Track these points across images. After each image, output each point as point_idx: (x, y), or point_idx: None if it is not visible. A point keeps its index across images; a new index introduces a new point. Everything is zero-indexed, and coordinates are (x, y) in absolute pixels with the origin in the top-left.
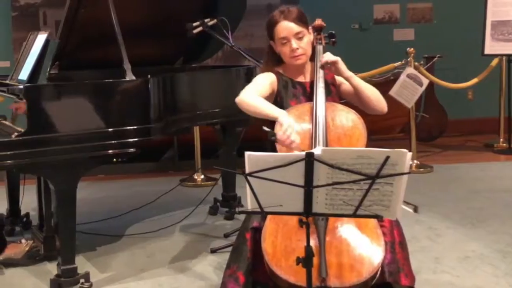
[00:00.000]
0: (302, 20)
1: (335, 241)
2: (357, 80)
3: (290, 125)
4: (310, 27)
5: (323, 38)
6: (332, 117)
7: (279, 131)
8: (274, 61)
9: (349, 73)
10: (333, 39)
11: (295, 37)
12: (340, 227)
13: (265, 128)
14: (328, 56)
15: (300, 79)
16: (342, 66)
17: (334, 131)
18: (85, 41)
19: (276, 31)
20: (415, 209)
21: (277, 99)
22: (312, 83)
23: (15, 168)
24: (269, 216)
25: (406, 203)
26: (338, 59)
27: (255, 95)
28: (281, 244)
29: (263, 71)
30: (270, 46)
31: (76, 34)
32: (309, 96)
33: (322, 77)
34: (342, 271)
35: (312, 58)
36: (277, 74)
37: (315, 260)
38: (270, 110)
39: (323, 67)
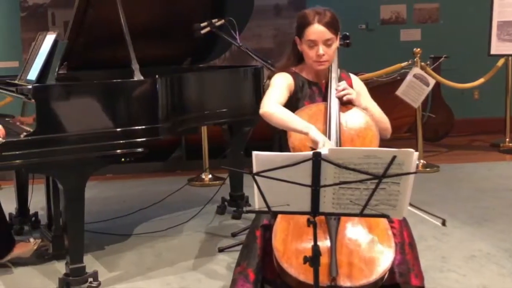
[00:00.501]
0: (334, 27)
1: (346, 241)
2: (371, 111)
3: (325, 141)
4: (339, 33)
5: (339, 40)
6: (345, 118)
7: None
8: (294, 58)
9: (364, 105)
10: (347, 41)
11: (324, 43)
12: (351, 227)
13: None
14: (344, 88)
15: (316, 79)
16: (357, 100)
17: (348, 132)
18: (94, 41)
19: (307, 32)
20: (443, 223)
21: (293, 99)
22: (327, 84)
23: (24, 167)
24: (280, 215)
25: (434, 216)
26: (353, 93)
27: (279, 106)
28: (291, 242)
29: (280, 67)
30: (294, 42)
31: (84, 34)
32: (325, 96)
33: (336, 78)
34: (352, 271)
35: None
36: (294, 74)
37: (326, 259)
38: (299, 125)
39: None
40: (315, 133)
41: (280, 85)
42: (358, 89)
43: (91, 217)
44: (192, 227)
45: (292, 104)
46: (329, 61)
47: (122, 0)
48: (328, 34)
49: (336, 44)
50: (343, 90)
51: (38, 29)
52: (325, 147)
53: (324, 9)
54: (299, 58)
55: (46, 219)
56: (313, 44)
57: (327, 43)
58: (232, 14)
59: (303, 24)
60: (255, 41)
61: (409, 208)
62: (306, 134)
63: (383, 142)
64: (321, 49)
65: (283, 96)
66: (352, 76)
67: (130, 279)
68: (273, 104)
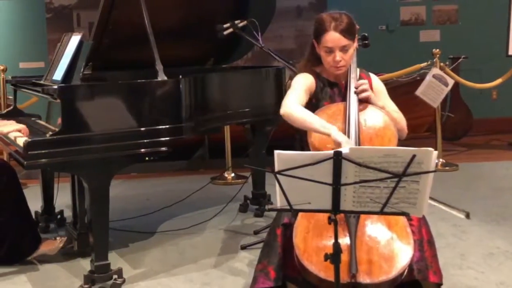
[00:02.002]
0: (350, 33)
1: (365, 238)
2: (388, 110)
3: (347, 141)
4: (356, 37)
5: (357, 41)
6: (364, 118)
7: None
8: (314, 59)
9: (380, 104)
10: (366, 42)
11: (340, 49)
12: (370, 225)
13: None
14: (362, 85)
15: (336, 80)
16: (373, 97)
17: (366, 131)
18: (118, 42)
19: (323, 38)
20: (467, 215)
21: (312, 100)
22: (347, 85)
23: (50, 166)
24: (300, 213)
25: (458, 209)
26: (369, 93)
27: (300, 106)
28: (312, 240)
29: (301, 68)
30: (312, 45)
31: (109, 35)
32: (344, 96)
33: (356, 79)
34: (371, 268)
35: None
36: (315, 74)
37: (345, 256)
38: (321, 125)
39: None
40: (337, 134)
41: (300, 86)
42: (378, 88)
43: (116, 215)
44: (215, 225)
45: (313, 104)
46: (346, 65)
47: (146, 2)
48: (344, 41)
49: (353, 48)
50: (361, 87)
51: (63, 30)
52: (349, 146)
53: (341, 13)
54: (319, 59)
55: (72, 217)
56: (329, 50)
57: (343, 49)
58: (254, 15)
59: (320, 30)
60: (277, 42)
61: (433, 203)
62: (328, 135)
63: (402, 142)
64: (338, 55)
65: (303, 97)
66: (372, 75)
67: (154, 276)
68: (294, 104)
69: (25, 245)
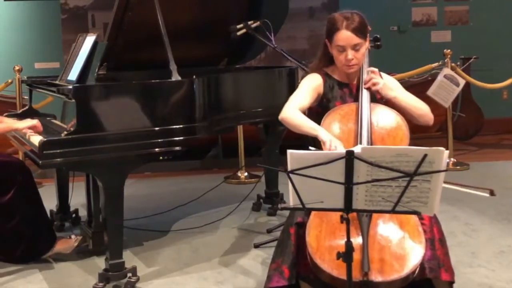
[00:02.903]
0: (362, 31)
1: (377, 237)
2: (400, 99)
3: (331, 139)
4: (368, 35)
5: (369, 42)
6: (376, 118)
7: (325, 149)
8: (326, 59)
9: (392, 94)
10: (378, 43)
11: (352, 48)
12: (382, 223)
13: (312, 148)
14: (371, 78)
15: (347, 80)
16: (384, 88)
17: (378, 131)
18: (132, 43)
19: (335, 37)
20: (492, 193)
21: (323, 100)
22: (359, 85)
23: (65, 165)
24: (313, 212)
25: (481, 188)
26: (380, 82)
27: (296, 111)
28: (325, 239)
29: (313, 68)
30: (325, 44)
31: (123, 35)
32: (355, 97)
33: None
34: (383, 266)
35: None
36: (325, 75)
37: (358, 255)
38: (310, 127)
39: (367, 83)
40: (323, 133)
41: (305, 88)
42: (390, 85)
43: (130, 214)
44: (228, 224)
45: (323, 104)
46: (358, 64)
47: (160, 3)
48: (356, 39)
49: (365, 47)
50: (370, 82)
51: (78, 30)
52: (332, 145)
53: (352, 13)
54: (331, 59)
55: (86, 216)
56: (342, 49)
57: (355, 48)
58: (268, 16)
59: (332, 30)
60: (290, 42)
61: (455, 187)
62: (315, 135)
63: (414, 141)
64: (350, 54)
65: (306, 99)
66: (383, 75)
67: (168, 274)
68: (290, 109)
69: (40, 244)
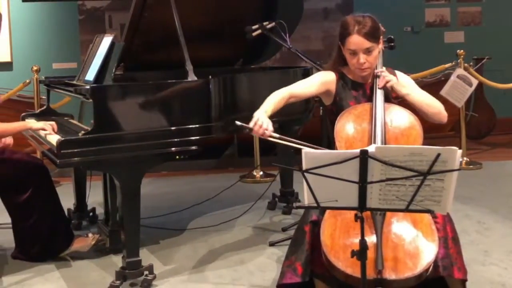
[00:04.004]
0: (373, 36)
1: (391, 235)
2: (413, 97)
3: (258, 116)
4: (381, 38)
5: (382, 43)
6: (390, 118)
7: (251, 123)
8: (340, 61)
9: (405, 91)
10: (392, 44)
11: (364, 52)
12: (396, 222)
13: (238, 122)
14: (384, 77)
15: (362, 80)
16: (397, 85)
17: (392, 131)
18: (149, 43)
19: (347, 41)
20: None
21: (336, 99)
22: (372, 85)
23: (82, 165)
24: (328, 210)
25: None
26: (392, 79)
27: (276, 93)
28: (339, 237)
29: (328, 67)
30: (339, 47)
31: (140, 36)
32: (369, 97)
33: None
34: (397, 265)
35: None
36: (339, 74)
37: (372, 253)
38: (262, 105)
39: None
40: (257, 112)
41: (313, 79)
42: (404, 82)
43: (147, 212)
44: (244, 222)
45: (337, 103)
46: (370, 67)
47: (177, 4)
48: (367, 44)
49: (377, 49)
50: (382, 81)
51: (95, 31)
52: (259, 122)
53: (364, 16)
54: (345, 60)
55: (104, 214)
56: (353, 53)
57: (367, 51)
58: (283, 17)
59: (344, 34)
60: (304, 43)
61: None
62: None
63: (427, 140)
64: (362, 58)
65: (309, 88)
66: (397, 72)
67: (184, 272)
68: (278, 91)
69: (58, 242)
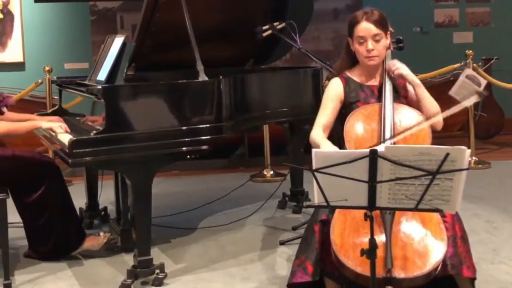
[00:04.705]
0: (382, 24)
1: (400, 234)
2: (423, 90)
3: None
4: (389, 32)
5: (391, 44)
6: (399, 118)
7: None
8: (348, 59)
9: (417, 81)
10: (401, 44)
11: (372, 38)
12: (405, 221)
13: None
14: (393, 65)
15: (370, 82)
16: (408, 74)
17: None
18: (160, 44)
19: (356, 29)
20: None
21: (345, 102)
22: (380, 86)
23: (94, 164)
24: (337, 209)
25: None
26: (401, 68)
27: (322, 136)
28: (349, 236)
29: (336, 68)
30: (347, 44)
31: (151, 37)
32: (377, 98)
33: (390, 80)
34: (406, 263)
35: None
36: (345, 80)
37: (381, 252)
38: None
39: (389, 74)
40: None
41: (328, 102)
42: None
43: (158, 211)
44: (255, 221)
45: (346, 106)
46: (379, 56)
47: (188, 4)
48: (375, 30)
49: (385, 40)
50: (393, 68)
51: (107, 32)
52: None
53: (372, 9)
54: (353, 60)
55: (115, 213)
56: (362, 40)
57: (375, 38)
58: (293, 18)
59: (353, 23)
60: (314, 43)
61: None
62: None
63: (436, 140)
64: (370, 44)
65: (329, 115)
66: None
67: (195, 270)
68: (316, 133)
69: (69, 240)
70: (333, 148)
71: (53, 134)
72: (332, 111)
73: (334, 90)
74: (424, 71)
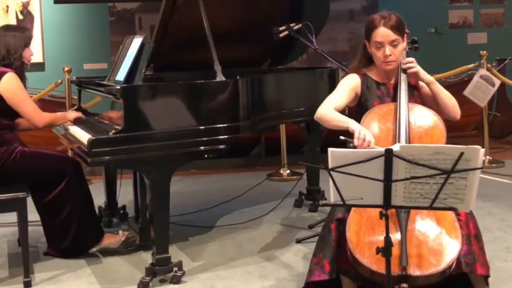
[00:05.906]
0: (399, 29)
1: (415, 232)
2: (437, 86)
3: (360, 129)
4: (405, 35)
5: (406, 44)
6: (414, 117)
7: (354, 139)
8: (365, 60)
9: (430, 79)
10: (416, 45)
11: (390, 44)
12: (420, 219)
13: (342, 138)
14: (408, 63)
15: (385, 81)
16: (421, 72)
17: (416, 130)
18: (178, 44)
19: (374, 34)
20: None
21: (361, 99)
22: (396, 85)
23: (113, 163)
24: (353, 208)
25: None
26: (416, 67)
27: (330, 109)
28: (364, 234)
29: (353, 68)
30: (364, 45)
31: (169, 37)
32: (393, 97)
33: (405, 79)
34: (421, 261)
35: None
36: (363, 76)
37: (396, 250)
38: (340, 120)
39: (404, 71)
40: (353, 124)
41: (342, 88)
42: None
43: (176, 210)
44: (271, 220)
45: (362, 103)
46: (396, 61)
47: (206, 5)
48: (393, 36)
49: (402, 45)
50: (408, 64)
51: (126, 32)
52: (361, 134)
53: (390, 13)
54: (370, 60)
55: (134, 212)
56: (380, 45)
57: (392, 43)
58: (309, 19)
59: (370, 28)
60: (331, 44)
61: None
62: (346, 127)
63: (451, 140)
64: (388, 49)
65: (343, 98)
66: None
67: (212, 268)
68: (323, 107)
69: (88, 237)
70: (342, 117)
71: (70, 131)
72: (345, 97)
73: (351, 82)
74: (438, 72)
